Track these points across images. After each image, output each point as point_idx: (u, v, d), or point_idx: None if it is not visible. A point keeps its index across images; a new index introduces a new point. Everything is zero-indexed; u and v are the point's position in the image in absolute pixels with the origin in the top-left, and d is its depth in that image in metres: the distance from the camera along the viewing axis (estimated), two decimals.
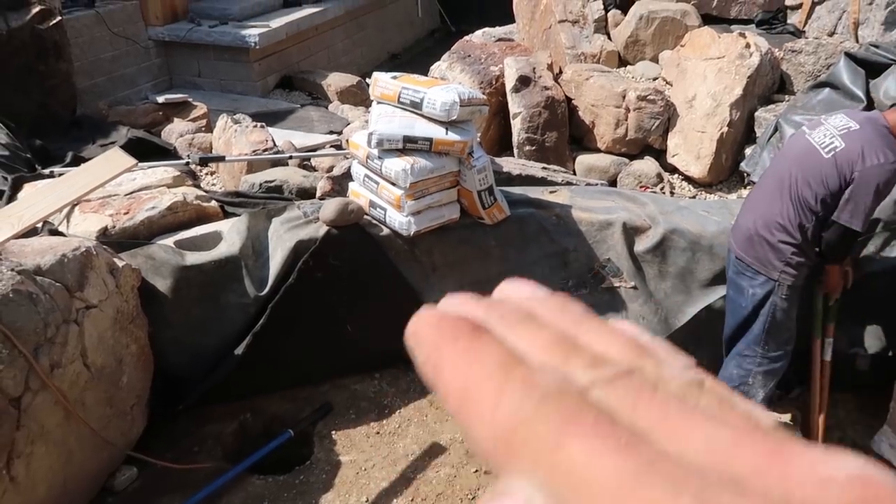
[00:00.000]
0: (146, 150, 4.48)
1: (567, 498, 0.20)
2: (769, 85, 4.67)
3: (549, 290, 0.30)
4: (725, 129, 4.39)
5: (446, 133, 2.91)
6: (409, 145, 2.93)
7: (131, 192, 3.27)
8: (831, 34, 4.94)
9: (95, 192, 3.12)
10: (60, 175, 3.43)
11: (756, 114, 4.52)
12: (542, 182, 3.70)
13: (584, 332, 0.26)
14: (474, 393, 0.23)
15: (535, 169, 3.90)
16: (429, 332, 0.26)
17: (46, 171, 3.69)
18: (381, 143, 2.93)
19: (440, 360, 0.25)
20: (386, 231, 3.12)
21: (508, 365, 0.24)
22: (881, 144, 2.44)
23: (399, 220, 3.02)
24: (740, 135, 4.52)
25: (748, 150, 4.49)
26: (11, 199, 3.24)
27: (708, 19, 5.40)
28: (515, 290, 0.30)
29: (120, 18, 6.89)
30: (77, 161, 4.07)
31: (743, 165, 4.45)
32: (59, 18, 4.98)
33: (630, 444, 0.20)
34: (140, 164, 3.40)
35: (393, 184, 2.98)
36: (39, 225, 2.82)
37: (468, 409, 0.23)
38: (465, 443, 2.96)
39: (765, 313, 2.64)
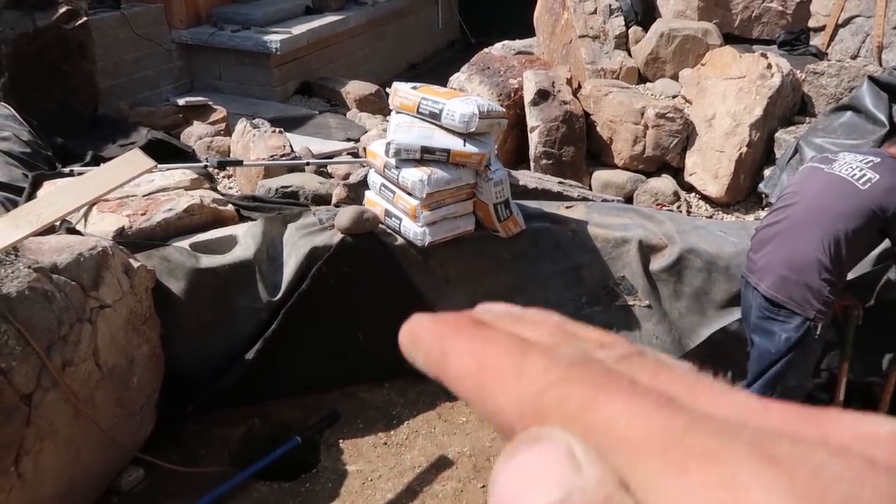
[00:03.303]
0: (165, 152, 4.52)
1: (610, 452, 0.19)
2: (790, 106, 4.64)
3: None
4: (744, 149, 4.36)
5: (464, 145, 2.91)
6: (427, 156, 2.93)
7: (149, 194, 3.28)
8: (854, 57, 4.90)
9: (114, 193, 3.14)
10: (80, 174, 3.46)
11: (776, 135, 4.48)
12: (559, 196, 3.68)
13: (575, 328, 0.26)
14: (493, 367, 0.22)
15: (552, 183, 3.89)
16: (428, 327, 0.25)
17: (66, 170, 3.73)
18: (399, 152, 2.93)
19: (446, 349, 0.24)
20: (400, 241, 3.12)
21: (523, 343, 0.23)
22: None
23: (414, 230, 3.02)
24: (759, 156, 4.49)
25: (767, 172, 4.46)
26: (31, 196, 3.26)
27: (729, 38, 5.37)
28: (494, 307, 0.30)
29: (144, 20, 6.96)
30: (97, 160, 4.11)
31: (761, 187, 4.41)
32: (84, 19, 5.04)
33: (670, 403, 0.19)
34: (159, 165, 3.42)
35: (409, 194, 2.98)
36: (57, 223, 2.84)
37: (487, 383, 0.22)
38: (473, 457, 2.93)
39: (792, 354, 2.53)
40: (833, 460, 0.17)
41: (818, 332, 2.51)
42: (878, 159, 2.53)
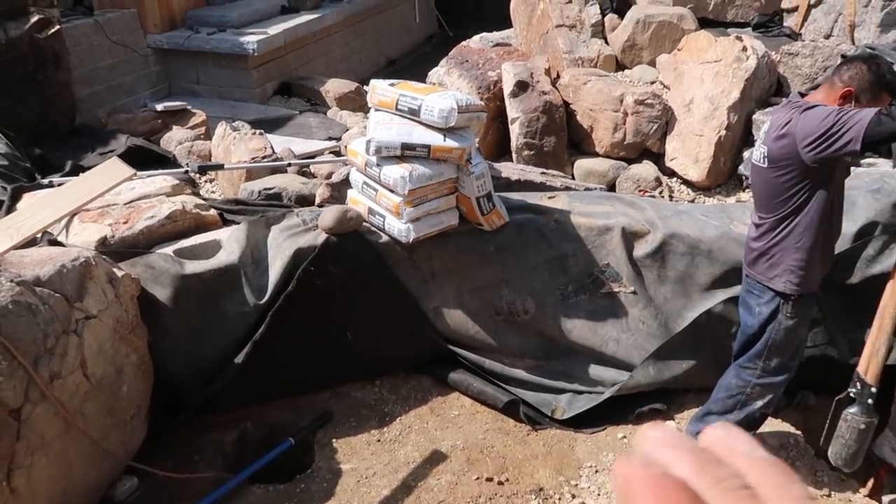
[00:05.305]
0: (145, 158, 4.49)
1: None
2: (766, 88, 4.68)
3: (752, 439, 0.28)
4: (723, 132, 4.40)
5: (444, 140, 2.92)
6: (408, 152, 2.93)
7: (130, 202, 3.27)
8: (827, 36, 4.95)
9: (94, 202, 3.13)
10: (59, 185, 3.44)
11: (754, 117, 4.52)
12: (541, 187, 3.70)
13: None
14: None
15: (534, 174, 3.90)
16: (643, 491, 0.26)
17: (45, 181, 3.70)
18: (380, 150, 2.94)
19: None
20: (385, 238, 3.13)
21: None
22: (791, 112, 2.40)
23: (398, 227, 3.02)
24: (738, 138, 4.53)
25: (746, 154, 4.50)
26: (11, 209, 3.24)
27: (704, 23, 5.41)
28: (724, 440, 0.29)
29: (118, 27, 6.90)
30: (76, 170, 4.08)
31: (741, 169, 4.45)
32: (57, 27, 4.99)
33: None
34: (139, 172, 3.41)
35: (391, 191, 2.98)
36: (39, 235, 2.82)
37: None
38: (466, 449, 2.95)
39: (770, 330, 2.61)
40: None
41: (789, 312, 2.56)
42: (769, 124, 2.51)
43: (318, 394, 3.22)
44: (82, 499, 2.49)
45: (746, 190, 4.42)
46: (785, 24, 5.23)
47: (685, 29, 5.23)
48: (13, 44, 4.68)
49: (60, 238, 2.97)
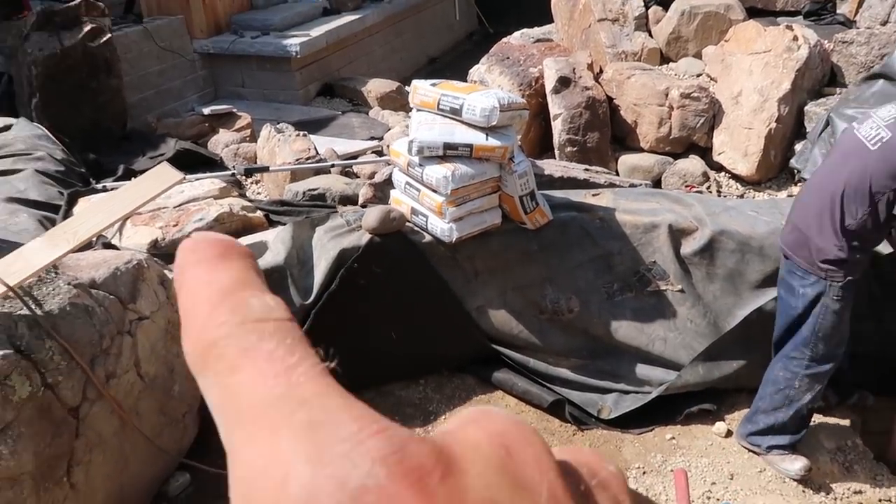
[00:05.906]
0: (193, 161, 4.60)
1: (230, 419, 0.21)
2: (819, 78, 4.53)
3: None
4: (773, 124, 4.28)
5: (486, 139, 2.90)
6: (450, 152, 2.93)
7: (180, 205, 3.35)
8: (884, 23, 4.76)
9: (146, 206, 3.21)
10: (112, 189, 3.54)
11: (806, 108, 4.39)
12: (585, 184, 3.65)
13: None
14: (192, 310, 0.24)
15: (578, 170, 3.86)
16: (183, 253, 0.27)
17: (99, 186, 3.82)
18: (422, 150, 2.94)
19: (182, 282, 0.26)
20: (428, 238, 3.13)
21: (230, 290, 0.24)
22: None
23: (441, 226, 3.02)
24: (789, 130, 4.40)
25: (798, 146, 4.37)
26: (67, 213, 3.35)
27: (753, 12, 5.27)
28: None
29: (166, 33, 7.08)
30: (128, 173, 4.21)
31: (793, 162, 4.33)
32: (109, 35, 5.15)
33: (288, 368, 0.22)
34: (187, 176, 3.48)
35: (434, 191, 2.98)
36: (94, 239, 2.91)
37: (185, 324, 0.24)
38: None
39: (815, 314, 2.54)
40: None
41: (836, 295, 2.49)
42: (893, 107, 2.41)
43: (362, 393, 3.25)
44: (137, 494, 2.57)
45: (798, 183, 4.29)
46: (838, 11, 5.05)
47: (732, 19, 5.10)
48: (68, 52, 4.85)
49: (114, 241, 3.07)
